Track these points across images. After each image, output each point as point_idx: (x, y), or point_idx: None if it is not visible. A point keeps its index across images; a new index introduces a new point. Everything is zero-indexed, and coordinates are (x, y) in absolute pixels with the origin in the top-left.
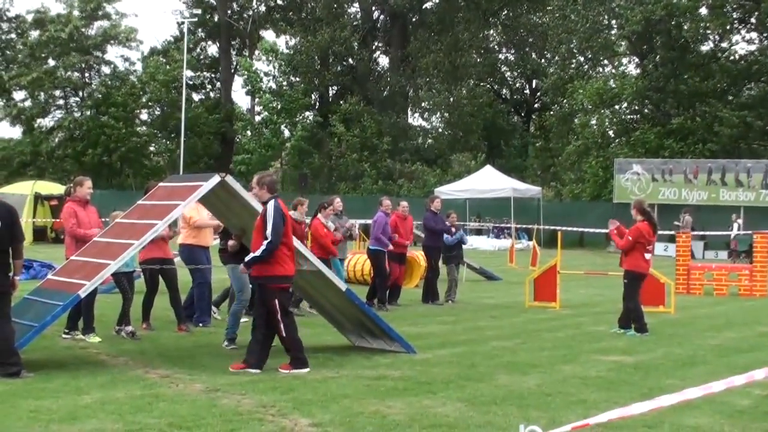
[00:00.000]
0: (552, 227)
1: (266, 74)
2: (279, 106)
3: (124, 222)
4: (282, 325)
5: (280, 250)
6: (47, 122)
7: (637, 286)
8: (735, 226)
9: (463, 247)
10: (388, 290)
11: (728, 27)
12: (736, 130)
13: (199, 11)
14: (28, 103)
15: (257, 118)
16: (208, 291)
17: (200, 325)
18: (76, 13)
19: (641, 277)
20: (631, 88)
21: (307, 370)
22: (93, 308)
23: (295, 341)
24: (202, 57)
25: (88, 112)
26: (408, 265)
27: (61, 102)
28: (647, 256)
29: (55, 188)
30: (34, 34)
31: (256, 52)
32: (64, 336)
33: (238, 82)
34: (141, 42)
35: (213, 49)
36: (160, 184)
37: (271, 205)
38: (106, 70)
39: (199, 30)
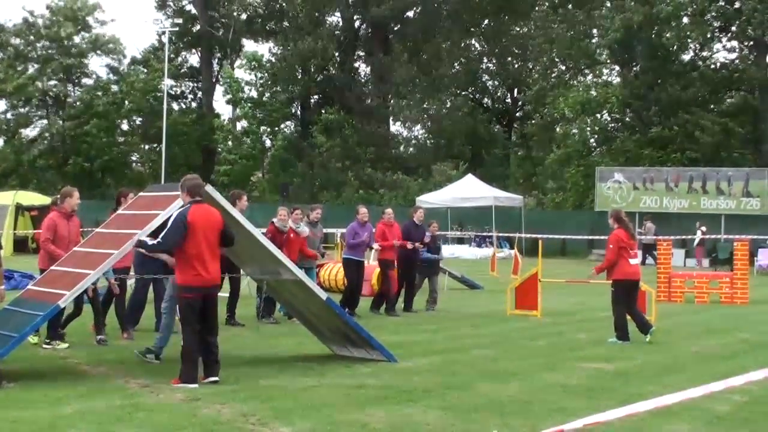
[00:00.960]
0: (534, 236)
1: (248, 83)
2: (260, 116)
3: (104, 232)
4: (183, 335)
5: (179, 258)
6: (29, 132)
7: (624, 294)
8: (699, 233)
9: (445, 255)
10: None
11: (709, 35)
12: (716, 138)
13: (180, 21)
14: (9, 115)
15: (238, 127)
16: (142, 303)
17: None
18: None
19: (631, 284)
20: (614, 97)
21: (195, 386)
22: (61, 316)
23: (189, 354)
24: (180, 67)
25: (69, 123)
26: None
27: (42, 112)
28: (632, 261)
29: (36, 198)
30: (15, 41)
31: (238, 61)
32: (44, 346)
33: (219, 91)
34: (125, 56)
35: (194, 59)
36: (141, 193)
37: (175, 213)
38: (89, 81)
39: (179, 42)
